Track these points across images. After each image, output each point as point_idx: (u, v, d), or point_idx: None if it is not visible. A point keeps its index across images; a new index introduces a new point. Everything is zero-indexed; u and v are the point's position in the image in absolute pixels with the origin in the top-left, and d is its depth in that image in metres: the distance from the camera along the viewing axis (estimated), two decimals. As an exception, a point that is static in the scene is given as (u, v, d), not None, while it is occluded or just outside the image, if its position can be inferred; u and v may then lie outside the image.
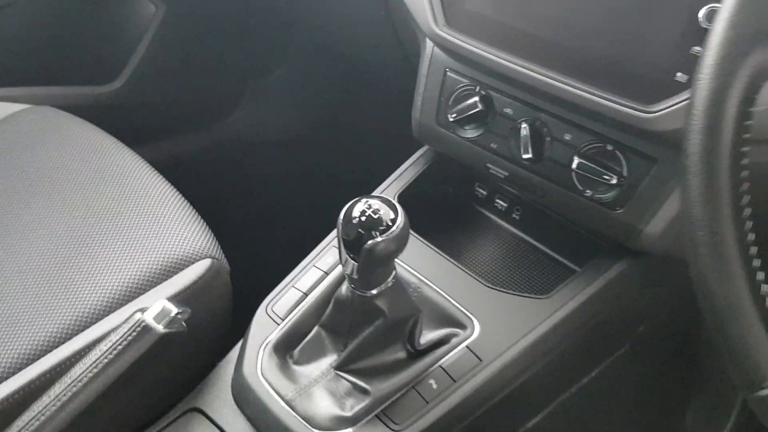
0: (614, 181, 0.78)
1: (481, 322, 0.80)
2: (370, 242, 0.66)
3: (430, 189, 1.00)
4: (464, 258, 0.92)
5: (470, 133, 0.89)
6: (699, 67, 0.45)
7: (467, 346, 0.78)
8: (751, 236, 0.44)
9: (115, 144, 1.06)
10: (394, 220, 0.67)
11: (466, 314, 0.81)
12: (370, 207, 0.67)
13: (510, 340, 0.78)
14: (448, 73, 0.90)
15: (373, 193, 0.95)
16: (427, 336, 0.81)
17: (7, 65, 1.31)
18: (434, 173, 1.00)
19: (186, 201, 0.97)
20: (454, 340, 0.80)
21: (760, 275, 0.44)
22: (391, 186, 0.97)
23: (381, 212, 0.67)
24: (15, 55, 1.31)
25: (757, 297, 0.43)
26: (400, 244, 0.68)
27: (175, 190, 0.98)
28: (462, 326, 0.81)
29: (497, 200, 0.99)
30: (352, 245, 0.67)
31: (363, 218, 0.67)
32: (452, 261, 0.88)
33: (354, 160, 1.25)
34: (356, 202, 0.68)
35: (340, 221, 0.68)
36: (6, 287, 0.81)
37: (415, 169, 0.99)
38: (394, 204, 0.68)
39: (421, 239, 0.90)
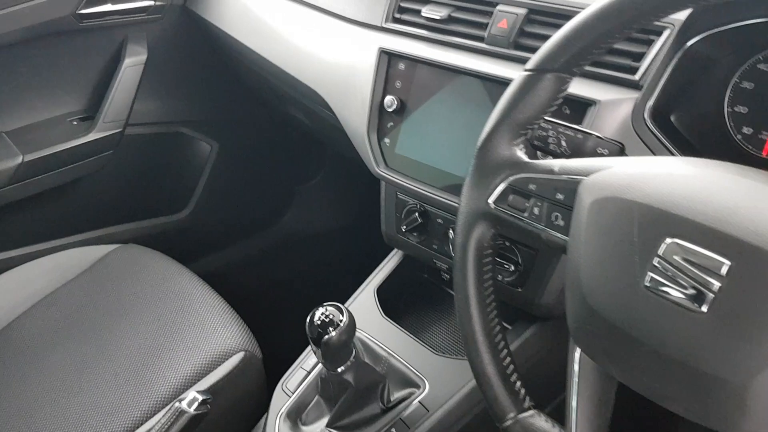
0: (512, 269, 1.05)
1: (430, 382, 1.08)
2: (326, 337, 0.97)
3: (407, 277, 1.30)
4: (424, 332, 1.21)
5: (417, 238, 1.19)
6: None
7: (419, 401, 1.07)
8: (498, 327, 0.72)
9: (178, 268, 1.43)
10: (342, 320, 0.98)
11: (420, 377, 1.10)
12: (324, 312, 0.98)
13: (450, 393, 1.06)
14: (399, 196, 1.21)
15: (362, 286, 1.27)
16: (395, 395, 1.10)
17: (101, 211, 1.74)
18: (410, 265, 1.30)
19: (227, 305, 1.31)
20: (412, 397, 1.08)
21: (504, 353, 0.71)
22: (374, 280, 1.28)
23: (333, 315, 0.98)
24: (107, 203, 1.74)
25: (499, 366, 0.71)
26: (349, 335, 0.98)
27: (219, 297, 1.33)
28: (418, 386, 1.09)
29: (457, 282, 1.27)
30: (316, 341, 0.98)
31: (320, 321, 0.98)
32: (413, 337, 1.17)
33: (366, 252, 1.56)
34: (316, 310, 0.99)
35: (307, 325, 0.99)
36: (101, 382, 1.18)
37: (392, 265, 1.29)
38: (341, 308, 0.99)
39: (392, 322, 1.20)
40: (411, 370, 1.11)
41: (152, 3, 1.62)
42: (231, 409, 1.16)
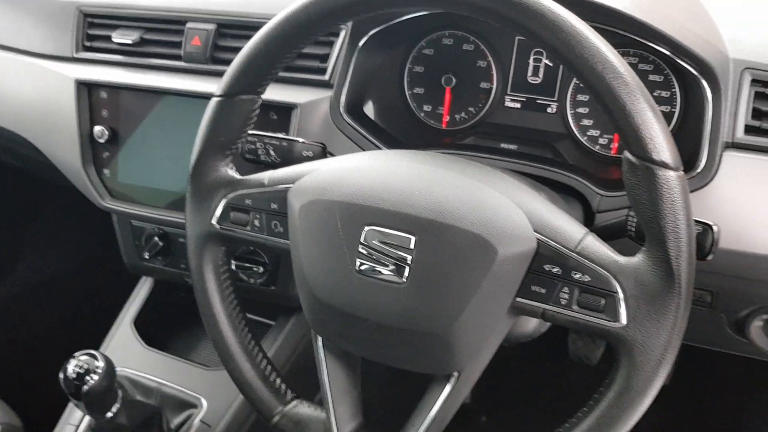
0: (262, 270, 1.10)
1: (207, 399, 1.10)
2: (85, 388, 0.93)
3: (164, 301, 1.29)
4: (193, 351, 1.22)
5: (163, 262, 1.18)
6: None
7: (201, 420, 1.08)
8: (249, 335, 0.77)
9: None
10: (98, 367, 0.95)
11: (196, 396, 1.11)
12: (77, 363, 0.95)
13: (228, 403, 1.09)
14: (134, 224, 1.19)
15: (116, 322, 1.23)
16: (175, 421, 1.10)
17: None
18: (164, 288, 1.29)
19: None
20: (192, 418, 1.09)
21: (259, 357, 0.77)
22: (129, 313, 1.25)
23: (87, 364, 0.95)
24: None
25: (257, 370, 0.76)
26: (110, 380, 0.96)
27: None
28: (196, 406, 1.10)
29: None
30: (75, 394, 0.94)
31: (75, 374, 0.94)
32: (182, 359, 1.17)
33: (115, 285, 1.50)
34: (67, 363, 0.95)
35: (61, 380, 0.95)
36: None
37: (144, 293, 1.27)
38: (95, 354, 0.96)
39: (157, 351, 1.18)
40: (186, 393, 1.12)
41: None
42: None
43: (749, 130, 0.83)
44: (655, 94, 0.94)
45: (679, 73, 0.93)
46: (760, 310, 0.92)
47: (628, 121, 0.58)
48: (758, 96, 0.83)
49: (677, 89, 0.94)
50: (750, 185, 0.83)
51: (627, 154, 0.59)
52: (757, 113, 0.83)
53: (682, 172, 0.59)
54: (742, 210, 0.83)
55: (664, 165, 0.58)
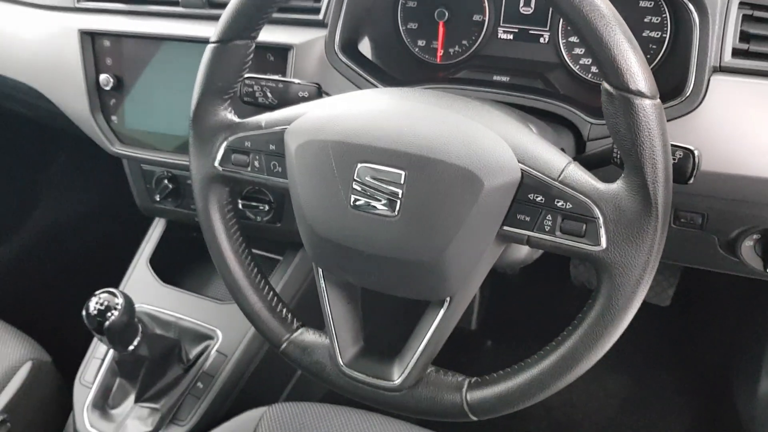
0: (267, 208, 1.14)
1: (223, 330, 1.16)
2: (107, 323, 1.00)
3: (177, 240, 1.34)
4: (207, 287, 1.27)
5: (173, 203, 1.23)
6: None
7: (217, 350, 1.15)
8: (255, 269, 0.81)
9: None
10: (118, 303, 1.01)
11: (212, 328, 1.17)
12: (98, 301, 1.01)
13: (242, 335, 1.15)
14: (144, 168, 1.23)
15: (132, 262, 1.29)
16: (193, 352, 1.17)
17: None
18: (177, 228, 1.34)
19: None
20: (209, 349, 1.16)
21: (266, 290, 0.81)
22: (144, 253, 1.31)
23: (107, 301, 1.01)
24: None
25: (264, 302, 0.81)
26: (129, 315, 1.02)
27: None
28: (212, 338, 1.17)
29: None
30: (98, 329, 1.01)
31: (96, 310, 1.00)
32: (197, 294, 1.23)
33: (130, 226, 1.55)
34: (89, 301, 1.01)
35: (84, 317, 1.01)
36: None
37: (158, 233, 1.33)
38: (114, 291, 1.02)
39: (172, 287, 1.24)
40: (202, 326, 1.18)
41: None
42: (33, 420, 1.15)
43: (736, 53, 0.84)
44: (645, 20, 0.95)
45: (669, -1, 0.93)
46: (750, 230, 0.95)
47: (604, 51, 0.59)
48: (746, 18, 0.84)
49: (667, 15, 0.94)
50: (738, 109, 0.85)
51: (605, 85, 0.61)
52: (744, 36, 0.84)
53: (658, 100, 0.61)
54: (730, 133, 0.85)
55: (640, 94, 0.60)
